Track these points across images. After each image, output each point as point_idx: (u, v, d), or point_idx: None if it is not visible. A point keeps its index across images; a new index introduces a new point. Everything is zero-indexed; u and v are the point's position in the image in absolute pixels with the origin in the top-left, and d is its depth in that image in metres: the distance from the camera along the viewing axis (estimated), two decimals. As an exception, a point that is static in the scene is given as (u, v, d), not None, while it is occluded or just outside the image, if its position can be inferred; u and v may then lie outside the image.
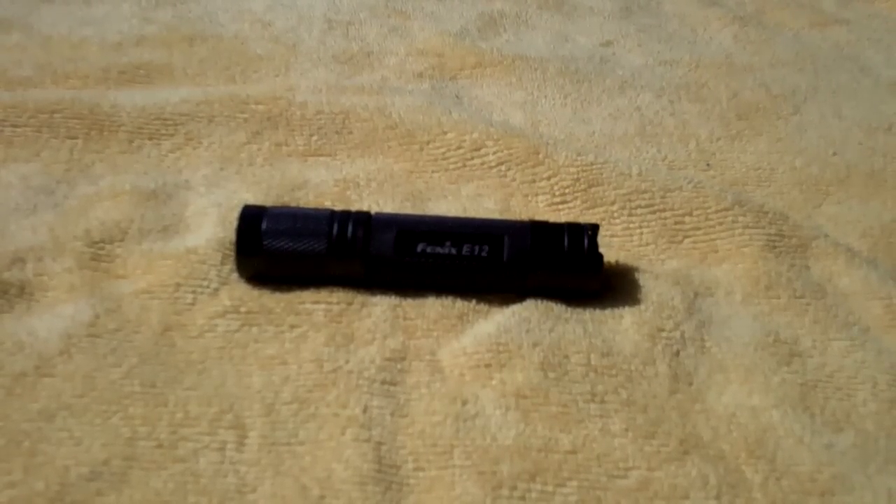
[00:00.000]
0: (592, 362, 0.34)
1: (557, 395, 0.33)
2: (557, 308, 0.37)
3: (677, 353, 0.35)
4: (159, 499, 0.28)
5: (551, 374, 0.34)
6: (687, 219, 0.42)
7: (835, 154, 0.51)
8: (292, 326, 0.35)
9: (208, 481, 0.29)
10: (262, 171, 0.45)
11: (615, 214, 0.43)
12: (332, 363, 0.34)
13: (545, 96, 0.55)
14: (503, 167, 0.45)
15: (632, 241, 0.42)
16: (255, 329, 0.35)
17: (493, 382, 0.33)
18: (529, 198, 0.44)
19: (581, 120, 0.53)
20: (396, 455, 0.30)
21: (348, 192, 0.44)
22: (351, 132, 0.47)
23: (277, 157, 0.46)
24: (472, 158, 0.46)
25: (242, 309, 0.36)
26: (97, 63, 0.54)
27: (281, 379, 0.33)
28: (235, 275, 0.37)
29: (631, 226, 0.43)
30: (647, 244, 0.42)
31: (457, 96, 0.54)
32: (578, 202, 0.44)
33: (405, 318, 0.36)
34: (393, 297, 0.37)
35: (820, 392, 0.34)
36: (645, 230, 0.42)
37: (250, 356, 0.34)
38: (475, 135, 0.46)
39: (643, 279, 0.39)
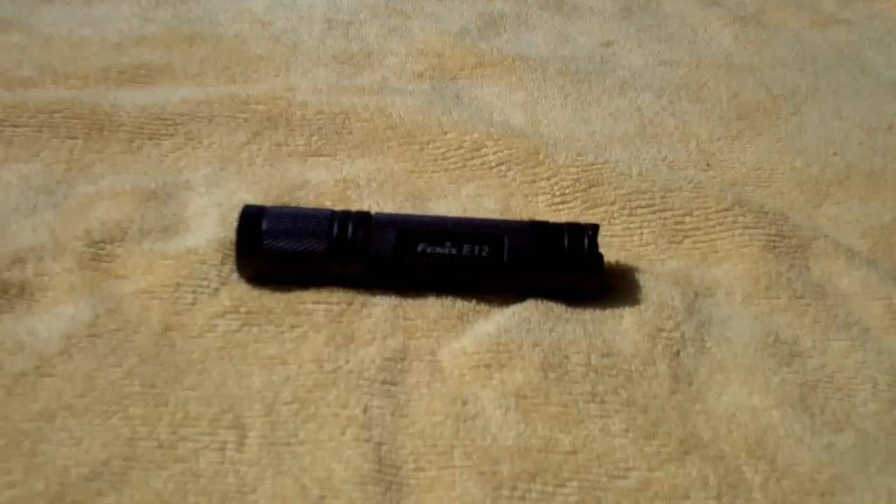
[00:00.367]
0: (592, 362, 0.34)
1: (557, 396, 0.33)
2: (557, 308, 0.37)
3: (677, 354, 0.35)
4: (159, 499, 0.28)
5: (551, 375, 0.34)
6: (687, 219, 0.42)
7: (835, 154, 0.51)
8: (292, 326, 0.35)
9: (208, 481, 0.29)
10: (263, 171, 0.45)
11: (615, 214, 0.43)
12: (333, 363, 0.34)
13: (545, 96, 0.55)
14: (503, 167, 0.45)
15: (632, 241, 0.42)
16: (255, 329, 0.35)
17: (494, 382, 0.33)
18: (529, 198, 0.44)
19: (581, 120, 0.53)
20: (396, 455, 0.30)
21: (348, 192, 0.44)
22: (351, 132, 0.47)
23: (277, 157, 0.46)
24: (473, 158, 0.46)
25: (242, 309, 0.36)
26: (97, 63, 0.54)
27: (281, 379, 0.33)
28: (235, 275, 0.37)
29: (631, 226, 0.43)
30: (648, 244, 0.42)
31: (457, 96, 0.54)
32: (578, 202, 0.44)
33: (405, 319, 0.36)
34: (393, 297, 0.37)
35: (820, 392, 0.34)
36: (645, 230, 0.42)
37: (250, 356, 0.34)
38: (475, 135, 0.46)
39: (643, 279, 0.39)
